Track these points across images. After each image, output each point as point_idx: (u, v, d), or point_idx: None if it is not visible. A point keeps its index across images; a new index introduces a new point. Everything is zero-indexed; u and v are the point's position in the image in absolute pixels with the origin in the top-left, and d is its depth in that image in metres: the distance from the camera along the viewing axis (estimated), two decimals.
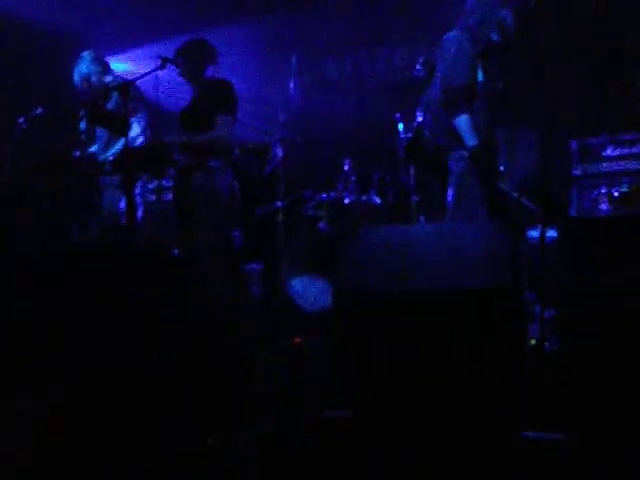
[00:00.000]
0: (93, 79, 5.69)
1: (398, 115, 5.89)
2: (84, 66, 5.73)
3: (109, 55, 8.22)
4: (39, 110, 5.74)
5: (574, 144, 5.87)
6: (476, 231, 3.01)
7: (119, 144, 5.47)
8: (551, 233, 4.54)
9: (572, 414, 2.80)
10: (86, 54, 5.80)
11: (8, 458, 2.55)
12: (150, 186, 6.76)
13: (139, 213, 5.77)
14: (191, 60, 5.35)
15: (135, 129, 5.48)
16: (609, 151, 5.78)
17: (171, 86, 7.02)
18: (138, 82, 5.33)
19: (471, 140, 4.43)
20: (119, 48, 8.35)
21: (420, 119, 4.78)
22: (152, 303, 2.75)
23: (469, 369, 2.82)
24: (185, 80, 5.47)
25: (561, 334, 3.35)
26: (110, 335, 2.66)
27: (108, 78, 5.72)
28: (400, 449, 2.75)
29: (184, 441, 2.67)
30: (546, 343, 3.76)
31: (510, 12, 4.49)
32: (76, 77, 5.77)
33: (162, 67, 5.02)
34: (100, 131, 5.76)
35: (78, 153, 5.74)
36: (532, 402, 2.94)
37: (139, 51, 8.28)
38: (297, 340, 4.41)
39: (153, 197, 6.70)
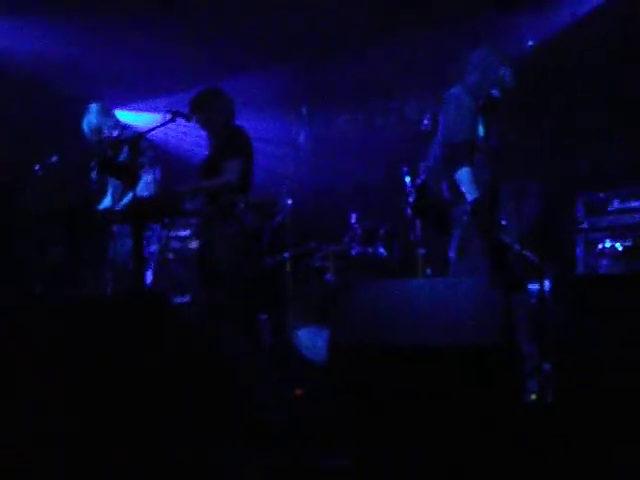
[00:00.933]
0: (104, 131, 5.81)
1: (405, 168, 5.95)
2: (93, 118, 5.85)
3: (122, 106, 8.44)
4: (54, 158, 5.83)
5: (580, 197, 5.89)
6: (469, 288, 3.05)
7: (130, 195, 5.57)
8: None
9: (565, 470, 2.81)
10: (94, 106, 5.91)
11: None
12: (162, 235, 6.86)
13: (150, 262, 5.84)
14: (206, 110, 5.37)
15: (145, 181, 5.58)
16: (615, 204, 5.78)
17: (182, 135, 7.12)
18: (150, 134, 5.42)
19: (472, 193, 4.49)
20: (133, 99, 8.50)
21: (423, 175, 4.86)
22: (144, 351, 2.80)
23: (462, 424, 2.84)
24: (203, 130, 5.49)
25: (553, 389, 3.37)
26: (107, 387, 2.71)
27: (118, 131, 5.82)
28: None
29: None
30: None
31: (509, 69, 4.59)
32: (86, 129, 5.89)
33: (172, 120, 5.09)
34: (113, 182, 5.86)
35: (91, 203, 5.83)
36: (528, 457, 2.95)
37: (153, 102, 8.43)
38: (298, 392, 4.43)
39: (164, 245, 6.77)
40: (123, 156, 5.72)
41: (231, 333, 5.07)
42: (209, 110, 5.35)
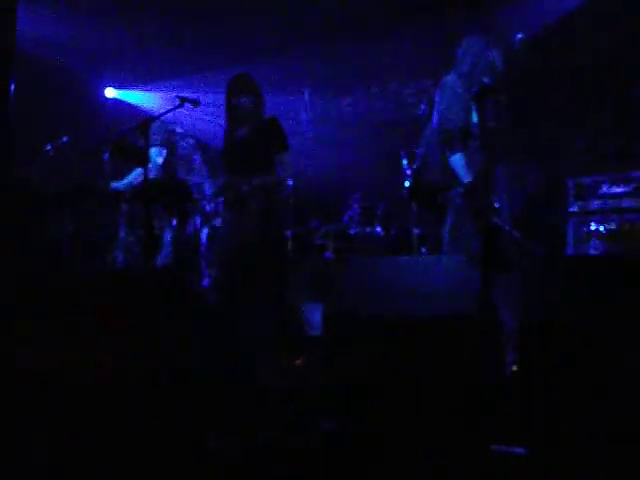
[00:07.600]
0: None
1: (403, 152, 6.14)
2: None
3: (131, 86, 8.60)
4: (65, 138, 6.02)
5: (570, 181, 6.07)
6: (449, 264, 3.29)
7: (135, 174, 5.79)
8: None
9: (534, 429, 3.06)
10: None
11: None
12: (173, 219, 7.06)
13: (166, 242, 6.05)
14: (256, 93, 5.28)
15: (154, 163, 5.78)
16: (604, 189, 5.94)
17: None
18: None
19: (465, 177, 4.67)
20: (143, 81, 8.67)
21: (419, 160, 5.05)
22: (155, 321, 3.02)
23: (440, 390, 3.08)
24: (244, 112, 5.30)
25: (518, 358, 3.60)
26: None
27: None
28: (381, 460, 3.01)
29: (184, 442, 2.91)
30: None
31: (498, 52, 4.76)
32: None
33: (180, 106, 5.27)
34: (121, 162, 6.05)
35: (100, 182, 6.01)
36: (502, 417, 3.18)
37: (161, 84, 8.59)
38: (298, 362, 4.68)
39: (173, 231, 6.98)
40: (133, 139, 5.92)
41: (247, 312, 5.21)
42: (258, 94, 5.30)
